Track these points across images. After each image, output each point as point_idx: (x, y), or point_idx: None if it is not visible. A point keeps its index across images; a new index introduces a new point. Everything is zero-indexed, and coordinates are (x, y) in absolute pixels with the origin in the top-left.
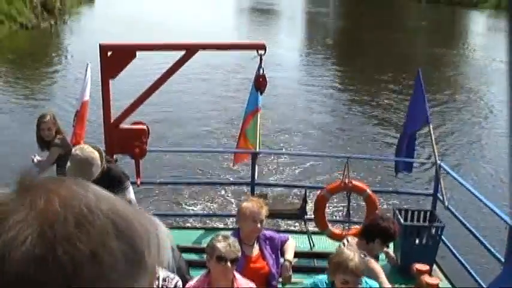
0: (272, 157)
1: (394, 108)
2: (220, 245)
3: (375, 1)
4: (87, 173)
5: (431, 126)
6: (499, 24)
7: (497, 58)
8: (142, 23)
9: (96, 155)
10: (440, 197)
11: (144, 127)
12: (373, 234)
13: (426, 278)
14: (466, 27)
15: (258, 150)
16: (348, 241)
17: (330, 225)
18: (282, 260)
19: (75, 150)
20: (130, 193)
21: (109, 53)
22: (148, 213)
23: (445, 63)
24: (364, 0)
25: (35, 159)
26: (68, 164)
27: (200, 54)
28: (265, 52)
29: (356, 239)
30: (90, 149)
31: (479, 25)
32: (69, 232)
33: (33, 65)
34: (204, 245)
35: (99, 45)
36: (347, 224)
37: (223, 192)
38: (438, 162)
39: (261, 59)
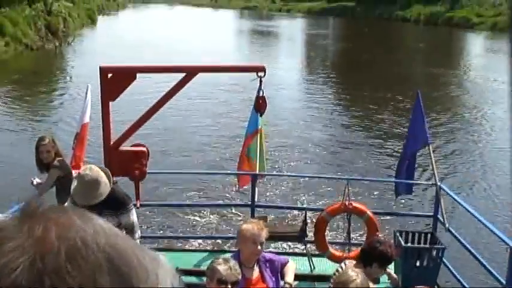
0: (272, 178)
1: (394, 128)
2: (221, 268)
3: (373, 23)
4: (93, 194)
5: (431, 147)
6: (495, 45)
7: (495, 78)
8: (143, 44)
9: (104, 177)
10: (441, 219)
11: (144, 149)
12: (370, 258)
13: None
14: (463, 49)
15: (258, 172)
16: (345, 264)
17: (330, 247)
18: (282, 282)
19: (84, 171)
20: (134, 215)
21: (109, 75)
22: (151, 250)
23: (444, 83)
24: (362, 22)
25: (35, 182)
26: (74, 184)
27: (200, 74)
28: (264, 74)
29: (354, 263)
30: (98, 170)
31: (476, 46)
32: (59, 265)
33: (36, 85)
34: (204, 267)
35: (100, 67)
36: (347, 246)
37: (223, 214)
38: (438, 183)
39: (260, 81)
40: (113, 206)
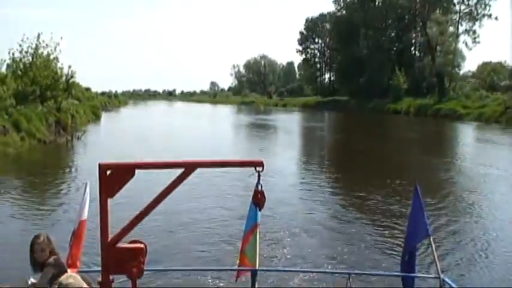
0: (271, 274)
1: (392, 217)
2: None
3: (366, 116)
4: None
5: (432, 239)
6: (482, 135)
7: (485, 165)
8: (146, 138)
9: (85, 284)
10: None
11: (142, 246)
12: None
13: None
14: (452, 138)
15: (257, 268)
16: None
17: None
18: None
19: (65, 279)
20: None
21: (108, 172)
22: None
23: (437, 170)
24: (356, 115)
25: (30, 282)
26: None
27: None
28: (263, 169)
29: None
30: (79, 279)
31: (464, 136)
32: None
33: (44, 176)
34: None
35: (99, 164)
36: None
37: None
38: (441, 276)
39: (259, 176)
40: None
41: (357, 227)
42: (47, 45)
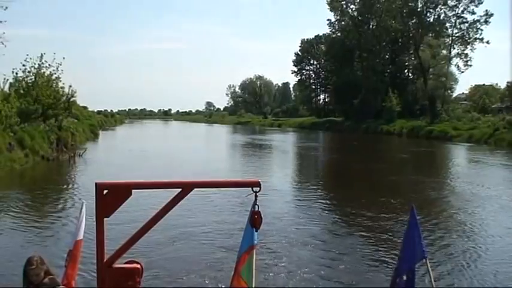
0: None
1: (388, 237)
2: None
3: (360, 136)
4: None
5: (428, 261)
6: (472, 156)
7: (477, 184)
8: (140, 155)
9: None
10: None
11: (138, 266)
12: None
13: None
14: (443, 159)
15: None
16: None
17: None
18: None
19: None
20: None
21: (105, 192)
22: None
23: (427, 188)
24: (350, 136)
25: None
26: None
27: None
28: (259, 189)
29: None
30: None
31: (455, 156)
32: None
33: (50, 192)
34: None
35: (95, 184)
36: None
37: None
38: None
39: (256, 196)
40: None
41: (349, 242)
42: (49, 65)
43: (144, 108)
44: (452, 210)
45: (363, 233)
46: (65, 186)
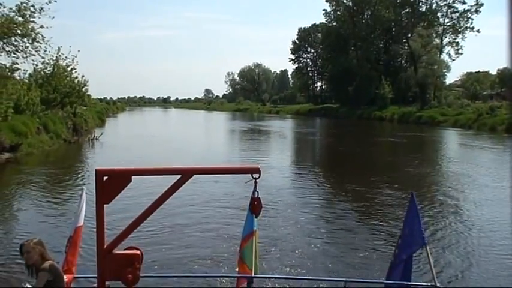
0: (268, 281)
1: (387, 221)
2: None
3: (354, 123)
4: None
5: (428, 248)
6: (460, 139)
7: (467, 166)
8: (150, 140)
9: None
10: None
11: (138, 252)
12: None
13: None
14: (428, 142)
15: (253, 274)
16: None
17: None
18: None
19: None
20: None
21: (105, 178)
22: None
23: (412, 167)
24: (344, 121)
25: (25, 287)
26: None
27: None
28: (259, 176)
29: None
30: None
31: (440, 139)
32: None
33: (65, 169)
34: None
35: (95, 170)
36: None
37: None
38: (438, 285)
39: (255, 183)
40: None
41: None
42: (66, 57)
43: (143, 96)
44: (447, 193)
45: (351, 200)
46: (95, 164)
